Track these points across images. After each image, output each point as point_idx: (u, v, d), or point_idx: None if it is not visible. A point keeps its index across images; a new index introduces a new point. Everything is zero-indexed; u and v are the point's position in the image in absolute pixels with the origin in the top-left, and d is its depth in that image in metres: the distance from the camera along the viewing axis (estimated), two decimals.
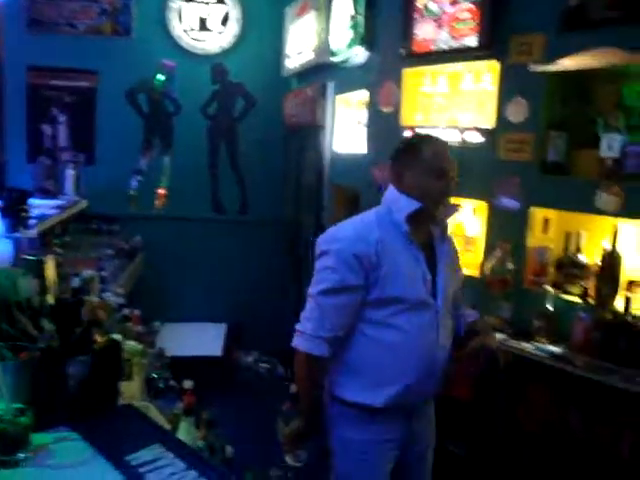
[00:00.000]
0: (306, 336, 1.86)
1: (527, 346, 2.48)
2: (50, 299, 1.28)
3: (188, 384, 1.91)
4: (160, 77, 5.33)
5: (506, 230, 2.72)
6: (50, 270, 1.40)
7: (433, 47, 2.97)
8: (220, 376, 4.73)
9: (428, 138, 2.01)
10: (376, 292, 1.83)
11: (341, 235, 1.89)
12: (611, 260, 2.39)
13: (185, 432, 1.84)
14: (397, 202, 1.90)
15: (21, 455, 1.11)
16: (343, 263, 1.81)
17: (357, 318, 1.87)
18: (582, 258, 2.54)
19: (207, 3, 5.35)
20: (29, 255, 1.61)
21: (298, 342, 1.88)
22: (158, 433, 1.23)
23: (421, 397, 1.98)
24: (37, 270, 1.36)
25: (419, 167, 1.89)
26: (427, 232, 1.98)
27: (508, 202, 2.71)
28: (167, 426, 1.75)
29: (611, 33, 2.29)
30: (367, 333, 1.88)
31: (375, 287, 1.83)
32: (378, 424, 1.91)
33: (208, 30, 5.37)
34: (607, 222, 2.41)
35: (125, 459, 1.19)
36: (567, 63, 2.42)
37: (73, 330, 1.21)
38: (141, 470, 1.11)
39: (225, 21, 5.37)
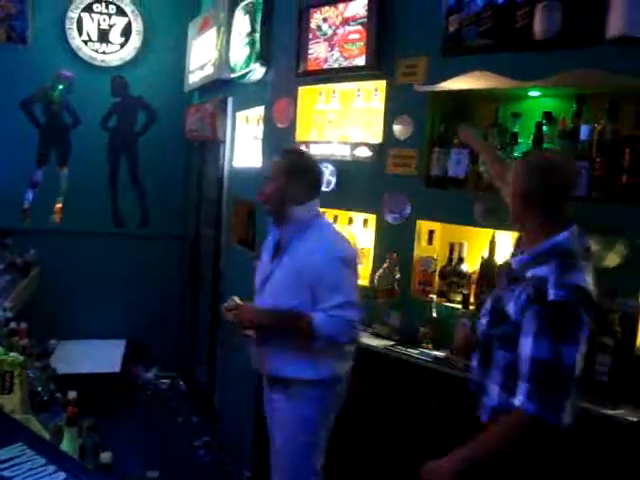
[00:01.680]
0: None
1: (413, 352, 2.60)
2: None
3: (72, 395, 1.88)
4: (59, 87, 5.21)
5: (394, 241, 2.85)
6: None
7: (325, 66, 3.08)
8: (118, 392, 4.65)
9: None
10: None
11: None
12: (489, 268, 2.56)
13: (68, 442, 1.81)
14: None
15: None
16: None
17: None
18: (464, 267, 2.70)
19: (108, 14, 5.29)
20: None
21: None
22: (21, 433, 1.22)
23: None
24: None
25: None
26: None
27: (394, 215, 2.85)
28: (47, 436, 1.73)
29: (484, 58, 2.48)
30: None
31: None
32: None
33: (109, 42, 5.30)
34: (486, 232, 2.59)
35: None
36: (448, 85, 2.59)
37: None
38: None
39: (126, 33, 5.32)
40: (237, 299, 2.48)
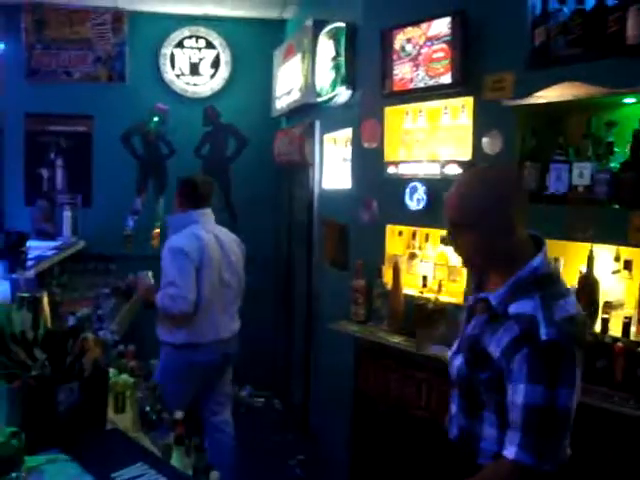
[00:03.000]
0: None
1: None
2: (42, 331, 1.37)
3: (179, 415, 1.98)
4: (155, 119, 5.50)
5: None
6: (44, 305, 1.49)
7: (411, 85, 3.10)
8: None
9: None
10: None
11: None
12: (588, 283, 2.48)
13: (177, 461, 1.90)
14: None
15: (14, 475, 1.19)
16: None
17: None
18: None
19: (198, 48, 5.55)
20: (24, 293, 1.71)
21: None
22: (142, 453, 1.31)
23: None
24: (31, 305, 1.45)
25: None
26: None
27: None
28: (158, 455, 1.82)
29: (574, 68, 2.42)
30: None
31: None
32: None
33: (199, 74, 5.56)
34: (583, 247, 2.51)
35: (111, 476, 1.27)
36: (537, 98, 2.55)
37: (64, 360, 1.30)
38: None
39: (215, 64, 5.56)
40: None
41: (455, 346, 1.78)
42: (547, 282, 1.58)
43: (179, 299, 3.16)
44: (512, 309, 1.56)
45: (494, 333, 1.58)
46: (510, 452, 1.49)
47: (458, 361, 1.71)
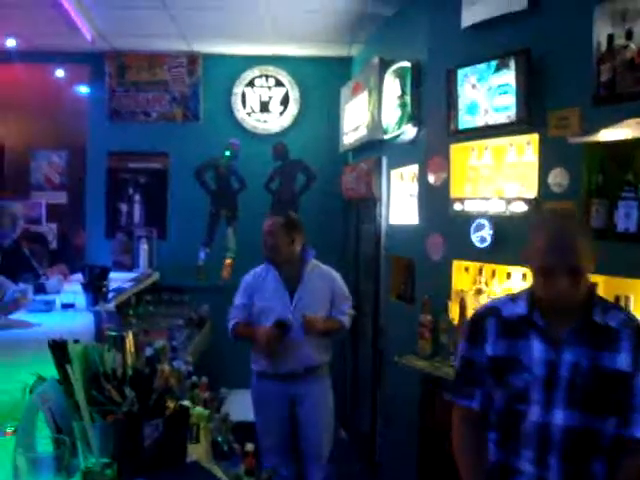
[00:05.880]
0: None
1: None
2: (129, 370, 1.49)
3: (249, 447, 2.06)
4: (227, 153, 5.73)
5: None
6: (129, 343, 1.62)
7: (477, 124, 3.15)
8: None
9: None
10: None
11: None
12: None
13: None
14: None
15: None
16: None
17: None
18: None
19: (268, 87, 5.76)
20: (111, 330, 1.84)
21: None
22: None
23: None
24: (119, 344, 1.57)
25: None
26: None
27: None
28: None
29: None
30: None
31: None
32: None
33: (269, 111, 5.76)
34: None
35: None
36: (603, 135, 2.55)
37: (149, 397, 1.41)
38: None
39: (285, 102, 5.76)
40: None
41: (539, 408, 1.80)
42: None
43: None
44: (613, 323, 1.78)
45: (613, 349, 1.75)
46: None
47: (561, 418, 1.76)
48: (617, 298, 2.61)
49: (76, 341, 1.42)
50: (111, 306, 3.56)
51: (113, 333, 1.63)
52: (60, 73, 5.73)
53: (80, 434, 1.19)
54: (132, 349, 1.67)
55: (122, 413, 1.30)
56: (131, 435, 1.30)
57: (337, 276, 3.63)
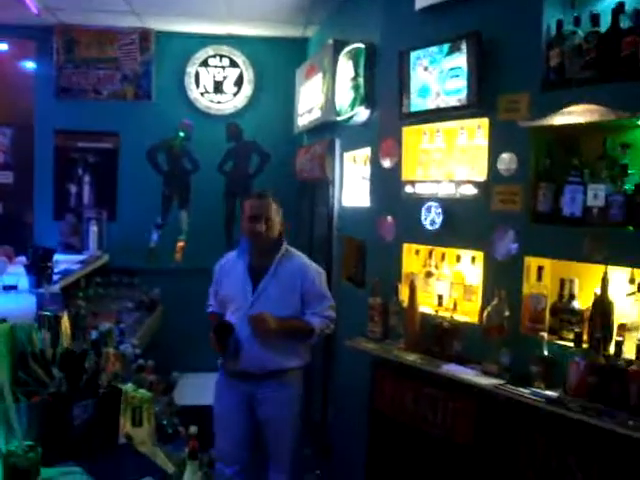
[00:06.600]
0: None
1: (524, 391, 2.55)
2: (60, 350, 1.44)
3: (193, 429, 2.02)
4: (180, 134, 5.62)
5: (502, 278, 2.83)
6: (64, 324, 1.56)
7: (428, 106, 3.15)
8: None
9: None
10: None
11: None
12: (603, 305, 2.48)
13: (190, 475, 1.95)
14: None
15: None
16: None
17: None
18: (576, 304, 2.62)
19: (222, 67, 5.66)
20: (46, 311, 1.78)
21: None
22: (151, 468, 1.36)
23: None
24: (52, 324, 1.52)
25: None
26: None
27: (502, 251, 2.83)
28: (172, 469, 1.87)
29: (589, 90, 2.45)
30: None
31: None
32: None
33: (223, 92, 5.67)
34: (598, 269, 2.51)
35: None
36: (552, 119, 2.57)
37: (80, 378, 1.36)
38: None
39: (239, 83, 5.67)
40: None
41: None
42: None
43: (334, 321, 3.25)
44: None
45: None
46: None
47: None
48: (562, 281, 2.66)
49: (3, 320, 1.36)
50: (55, 288, 3.46)
51: (46, 313, 1.57)
52: (4, 47, 5.51)
53: (1, 415, 1.14)
54: (68, 330, 1.61)
55: (48, 394, 1.25)
56: (58, 417, 1.25)
57: (312, 270, 3.17)
